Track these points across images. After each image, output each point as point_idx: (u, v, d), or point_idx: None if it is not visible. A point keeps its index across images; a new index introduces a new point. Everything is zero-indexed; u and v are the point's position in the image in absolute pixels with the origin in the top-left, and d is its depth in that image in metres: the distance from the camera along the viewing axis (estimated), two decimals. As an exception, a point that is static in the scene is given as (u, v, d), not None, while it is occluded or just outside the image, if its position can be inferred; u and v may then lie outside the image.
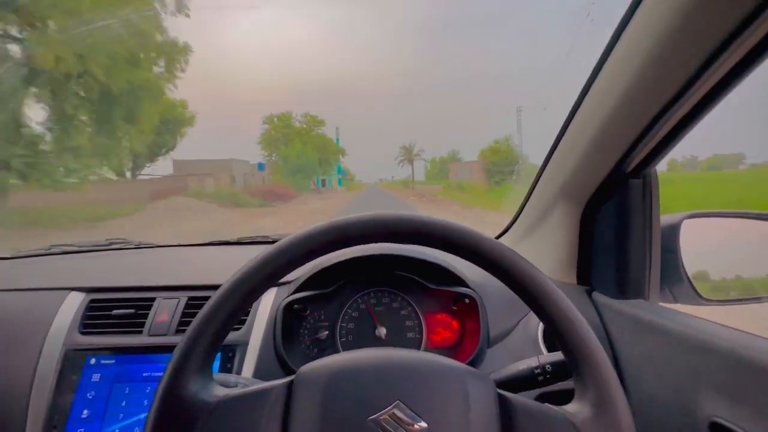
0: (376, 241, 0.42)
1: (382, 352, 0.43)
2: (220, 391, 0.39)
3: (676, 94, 0.54)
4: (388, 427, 0.36)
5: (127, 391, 0.69)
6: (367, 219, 0.41)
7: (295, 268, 0.41)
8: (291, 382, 0.40)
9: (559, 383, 0.52)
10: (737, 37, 0.44)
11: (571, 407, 0.40)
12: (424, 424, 0.37)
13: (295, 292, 0.78)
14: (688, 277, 0.75)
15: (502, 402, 0.40)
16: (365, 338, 0.79)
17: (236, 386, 0.48)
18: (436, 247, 0.43)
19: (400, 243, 0.43)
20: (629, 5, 0.54)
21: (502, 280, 0.42)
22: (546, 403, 0.41)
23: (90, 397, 0.68)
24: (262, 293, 0.41)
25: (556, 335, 0.41)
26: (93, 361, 0.70)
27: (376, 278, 0.82)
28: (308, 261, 0.42)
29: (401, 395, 0.38)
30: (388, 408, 0.37)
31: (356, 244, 0.42)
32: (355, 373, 0.40)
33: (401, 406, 0.37)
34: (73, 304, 0.76)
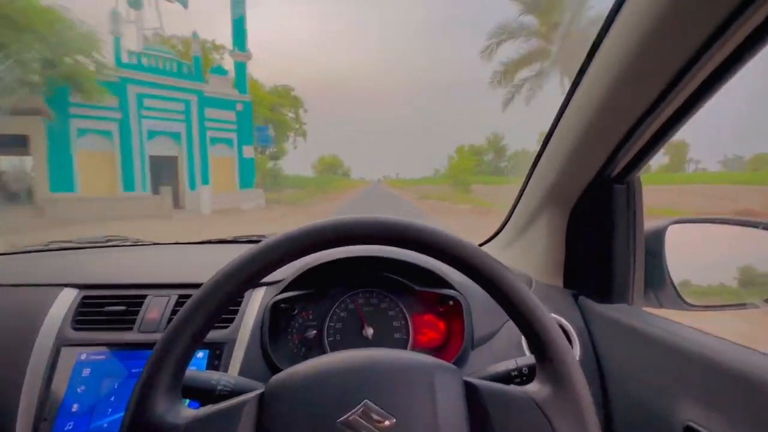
0: (358, 243, 0.43)
1: (347, 354, 0.44)
2: (188, 412, 0.39)
3: (656, 101, 0.54)
4: (358, 427, 0.37)
5: (116, 386, 0.70)
6: (348, 222, 0.42)
7: (272, 272, 0.42)
8: (262, 395, 0.40)
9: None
10: (716, 40, 0.44)
11: (532, 386, 0.42)
12: (392, 420, 0.38)
13: (283, 291, 0.79)
14: (672, 283, 0.75)
15: (468, 389, 0.41)
16: (353, 338, 0.80)
17: (217, 384, 0.49)
18: (416, 251, 0.44)
19: (383, 245, 0.44)
20: (610, 10, 0.54)
21: (480, 284, 0.43)
22: (510, 385, 0.43)
23: (80, 392, 0.69)
24: (235, 299, 0.42)
25: (517, 321, 0.42)
26: (84, 356, 0.72)
27: (365, 279, 0.83)
28: (287, 263, 0.42)
29: (369, 394, 0.39)
30: (357, 408, 0.38)
31: (336, 246, 0.43)
32: (321, 378, 0.40)
33: (369, 405, 0.38)
34: (67, 300, 0.78)
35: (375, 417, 0.38)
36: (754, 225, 0.75)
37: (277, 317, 0.76)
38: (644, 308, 0.74)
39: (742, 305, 0.75)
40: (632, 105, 0.56)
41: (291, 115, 26.08)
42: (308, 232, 0.42)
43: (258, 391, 0.41)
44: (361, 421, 0.38)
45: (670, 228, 0.76)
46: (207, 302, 0.40)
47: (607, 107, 0.59)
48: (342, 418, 0.38)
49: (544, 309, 0.41)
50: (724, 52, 0.46)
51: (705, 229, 0.79)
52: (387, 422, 0.38)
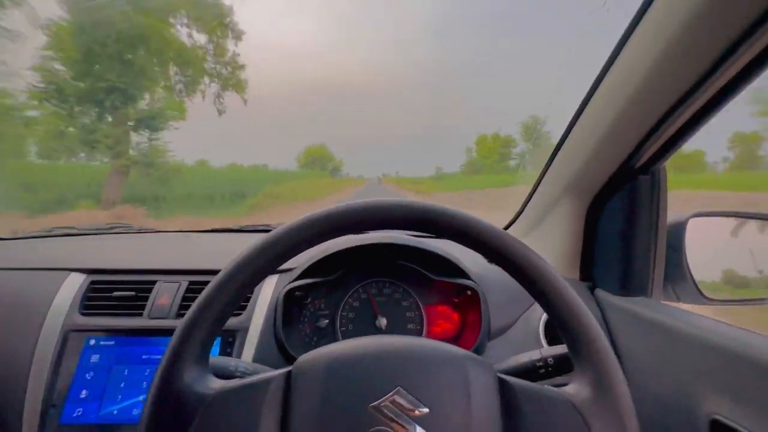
0: (378, 229, 0.42)
1: (381, 340, 0.42)
2: (216, 383, 0.39)
3: (689, 90, 0.53)
4: (389, 414, 0.36)
5: (126, 373, 0.68)
6: (368, 205, 0.41)
7: (293, 256, 0.40)
8: (289, 372, 0.39)
9: (561, 378, 0.52)
10: (752, 35, 0.43)
11: (570, 388, 0.40)
12: (425, 410, 0.36)
13: (296, 279, 0.77)
14: (691, 276, 0.74)
15: (503, 386, 0.40)
16: (365, 328, 0.79)
17: (236, 370, 0.48)
18: (440, 236, 0.42)
19: (404, 230, 0.42)
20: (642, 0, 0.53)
21: (504, 267, 0.41)
22: (546, 385, 0.41)
23: (89, 378, 0.67)
24: (259, 282, 0.41)
25: (555, 318, 0.40)
26: (92, 342, 0.70)
27: (378, 268, 0.82)
28: (309, 248, 0.41)
29: (402, 381, 0.37)
30: (389, 395, 0.37)
31: (357, 232, 0.42)
32: (354, 360, 0.39)
33: (402, 392, 0.37)
34: (74, 284, 0.76)
35: (407, 405, 0.37)
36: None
37: (289, 306, 0.75)
38: (663, 302, 0.74)
39: (761, 300, 0.74)
40: (664, 94, 0.55)
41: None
42: (336, 213, 0.40)
43: (285, 369, 0.40)
44: (393, 407, 0.36)
45: (691, 221, 0.75)
46: (246, 268, 0.39)
47: (638, 96, 0.57)
48: (374, 403, 0.36)
49: (584, 305, 0.39)
50: (757, 47, 0.45)
51: (727, 223, 0.78)
52: (419, 411, 0.36)
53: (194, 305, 0.38)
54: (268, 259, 0.39)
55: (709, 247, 0.74)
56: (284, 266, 0.79)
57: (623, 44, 0.58)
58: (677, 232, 0.75)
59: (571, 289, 0.40)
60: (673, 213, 0.75)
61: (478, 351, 0.73)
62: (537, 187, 0.90)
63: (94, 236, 1.10)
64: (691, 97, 0.54)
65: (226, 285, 0.39)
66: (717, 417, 0.52)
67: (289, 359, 0.70)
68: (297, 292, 0.76)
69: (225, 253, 0.89)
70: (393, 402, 0.37)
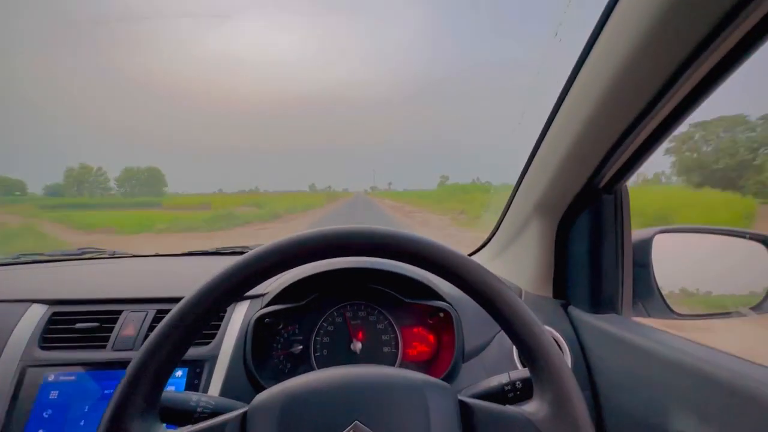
0: (345, 255, 0.41)
1: (338, 372, 0.42)
2: None
3: (643, 112, 0.55)
4: None
5: (86, 410, 0.65)
6: (335, 232, 0.41)
7: (256, 284, 0.40)
8: (245, 414, 0.38)
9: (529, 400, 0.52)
10: (704, 50, 0.45)
11: (530, 407, 0.40)
12: None
13: (268, 305, 0.76)
14: (660, 292, 0.76)
15: (464, 409, 0.40)
16: (340, 353, 0.78)
17: (197, 406, 0.46)
18: (405, 261, 0.42)
19: (371, 256, 0.42)
20: (597, 21, 0.55)
21: (463, 290, 0.41)
22: (507, 405, 0.41)
23: (46, 416, 0.64)
24: (218, 314, 0.40)
25: (513, 338, 0.41)
26: (51, 377, 0.67)
27: (351, 291, 0.81)
28: (275, 275, 0.40)
29: (359, 415, 0.37)
30: (347, 430, 0.36)
31: (323, 258, 0.41)
32: (310, 396, 0.38)
33: (359, 427, 0.36)
34: (34, 316, 0.73)
35: None
36: (740, 235, 0.76)
37: (261, 332, 0.73)
38: (633, 318, 0.74)
39: (728, 314, 0.75)
40: (621, 114, 0.57)
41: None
42: (297, 242, 0.40)
43: (241, 410, 0.39)
44: None
45: (656, 237, 0.77)
46: (188, 316, 0.37)
47: (596, 117, 0.59)
48: None
49: (540, 325, 0.40)
50: (709, 64, 0.46)
51: (690, 239, 0.80)
52: None
53: (136, 356, 0.37)
54: (220, 294, 0.38)
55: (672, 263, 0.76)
56: (254, 292, 0.77)
57: (579, 69, 0.60)
58: (643, 248, 0.76)
59: (528, 310, 0.40)
60: (638, 230, 0.77)
61: (453, 372, 0.72)
62: (509, 208, 0.91)
63: (62, 263, 1.06)
64: (646, 117, 0.55)
65: (173, 330, 0.37)
66: None
67: (260, 389, 0.68)
68: (267, 319, 0.74)
69: (196, 277, 0.86)
70: None
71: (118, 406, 0.35)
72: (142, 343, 0.70)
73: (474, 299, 0.42)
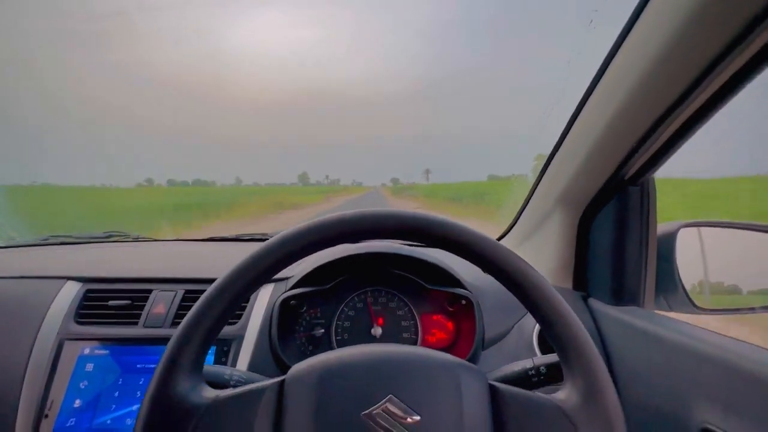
0: (373, 238, 0.42)
1: (374, 348, 0.43)
2: (210, 393, 0.39)
3: (676, 102, 0.54)
4: (381, 422, 0.36)
5: (120, 382, 0.68)
6: (363, 215, 0.41)
7: (288, 266, 0.41)
8: (282, 382, 0.40)
9: (554, 387, 0.52)
10: (738, 45, 0.44)
11: (560, 395, 0.41)
12: (417, 417, 0.37)
13: (292, 288, 0.78)
14: (683, 286, 0.75)
15: (494, 393, 0.41)
16: (360, 337, 0.79)
17: (230, 379, 0.48)
18: (434, 246, 0.43)
19: (398, 239, 0.43)
20: (631, 13, 0.55)
21: (496, 276, 0.42)
22: (536, 392, 0.42)
23: (82, 387, 0.67)
24: (254, 292, 0.41)
25: (545, 326, 0.41)
26: (87, 351, 0.70)
27: (373, 277, 0.82)
28: (303, 257, 0.42)
29: (394, 389, 0.38)
30: (381, 402, 0.37)
31: (354, 241, 0.43)
32: (346, 369, 0.40)
33: (394, 400, 0.37)
34: (69, 293, 0.76)
35: (399, 413, 0.37)
36: (764, 229, 0.75)
37: (285, 315, 0.75)
38: (654, 311, 0.74)
39: (752, 309, 0.75)
40: (652, 105, 0.57)
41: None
42: (330, 223, 0.41)
43: (279, 378, 0.40)
44: (386, 415, 0.37)
45: (680, 231, 0.76)
46: (240, 278, 0.39)
47: (626, 108, 0.59)
48: (366, 411, 0.37)
49: (575, 316, 0.40)
50: (743, 58, 0.46)
51: (715, 233, 0.79)
52: (411, 419, 0.37)
53: (188, 315, 0.39)
54: (263, 269, 0.40)
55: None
56: (280, 275, 0.79)
57: (611, 59, 0.60)
58: (668, 242, 0.76)
59: (562, 298, 0.41)
60: (663, 223, 0.77)
61: (473, 360, 0.73)
62: (530, 198, 0.91)
63: (90, 245, 1.10)
64: (677, 109, 0.55)
65: (221, 295, 0.39)
66: (708, 426, 0.53)
67: (284, 368, 0.70)
68: (292, 301, 0.76)
69: (221, 262, 0.89)
70: (385, 410, 0.37)
71: (169, 361, 0.37)
72: (172, 321, 0.73)
73: (505, 285, 0.42)
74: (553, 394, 0.41)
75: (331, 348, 0.78)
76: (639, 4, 0.53)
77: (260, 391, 0.39)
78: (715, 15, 0.44)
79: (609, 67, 0.61)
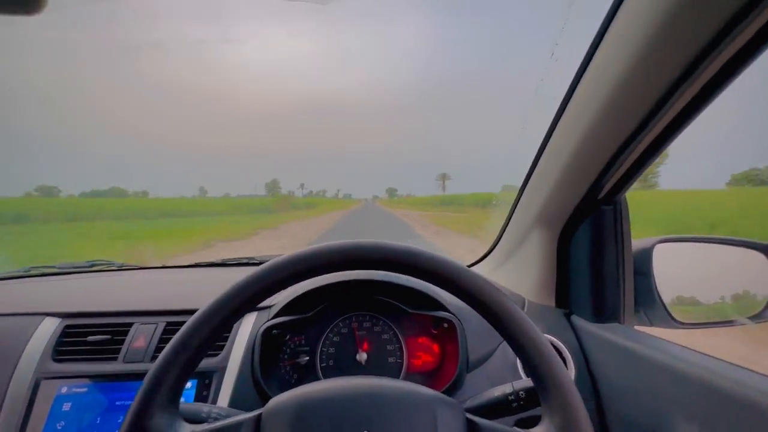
0: (349, 269, 0.43)
1: (350, 382, 0.43)
2: (186, 429, 0.39)
3: (642, 122, 0.56)
4: None
5: (98, 421, 0.67)
6: (341, 247, 0.42)
7: (270, 296, 0.41)
8: (259, 416, 0.40)
9: (534, 410, 0.52)
10: (701, 63, 0.45)
11: (538, 430, 0.41)
12: None
13: (275, 316, 0.77)
14: (662, 301, 0.76)
15: (471, 428, 0.40)
16: (346, 363, 0.79)
17: (209, 417, 0.47)
18: (408, 274, 0.44)
19: (376, 269, 0.43)
20: (594, 37, 0.57)
21: (471, 305, 0.43)
22: (514, 427, 0.42)
23: (59, 428, 0.65)
24: (233, 324, 0.41)
25: (524, 363, 0.42)
26: (65, 389, 0.69)
27: (357, 302, 0.82)
28: (284, 288, 0.42)
29: (369, 425, 0.38)
30: None
31: (331, 272, 0.43)
32: (323, 404, 0.40)
33: None
34: (48, 330, 0.75)
35: None
36: (738, 244, 0.77)
37: (268, 343, 0.75)
38: (636, 327, 0.75)
39: (729, 322, 0.76)
40: (619, 126, 0.58)
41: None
42: (308, 255, 0.42)
43: (256, 413, 0.40)
44: None
45: (656, 247, 0.78)
46: (212, 318, 0.40)
47: (595, 129, 0.61)
48: None
49: (551, 349, 0.40)
50: (708, 74, 0.47)
51: (690, 249, 0.81)
52: None
53: (165, 350, 0.39)
54: (241, 302, 0.40)
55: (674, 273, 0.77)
56: (262, 304, 0.79)
57: (577, 82, 0.62)
58: (644, 257, 0.77)
59: (536, 329, 0.41)
60: (639, 240, 0.78)
61: (457, 383, 0.73)
62: (510, 218, 0.93)
63: (73, 275, 1.08)
64: (645, 129, 0.57)
65: (199, 329, 0.39)
66: None
67: (267, 399, 0.69)
68: (275, 330, 0.76)
69: (205, 290, 0.88)
70: None
71: (145, 396, 0.37)
72: (152, 355, 0.72)
73: (478, 312, 0.43)
74: (531, 430, 0.41)
75: (317, 375, 0.78)
76: (602, 24, 0.55)
77: (236, 426, 0.39)
78: (678, 32, 0.45)
79: (576, 89, 0.63)
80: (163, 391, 0.38)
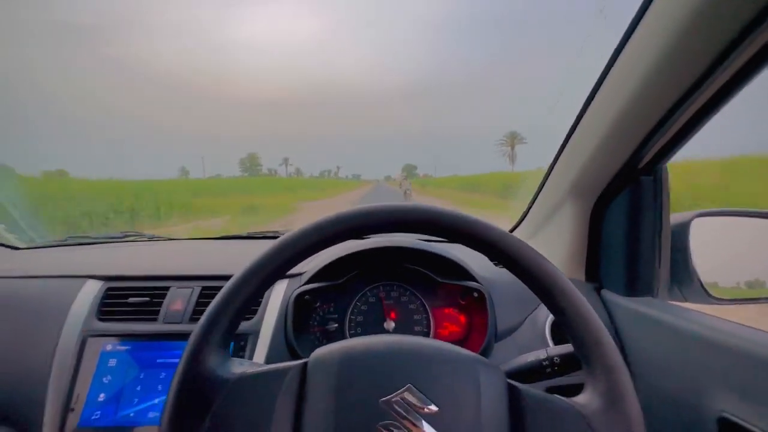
0: (388, 231, 0.43)
1: (395, 338, 0.43)
2: (237, 369, 0.40)
3: (690, 89, 0.53)
4: (399, 409, 0.37)
5: (141, 377, 0.70)
6: (378, 209, 0.42)
7: (309, 256, 0.42)
8: (305, 364, 0.41)
9: (567, 378, 0.52)
10: (752, 32, 0.44)
11: (581, 399, 0.40)
12: (434, 408, 0.37)
13: (305, 283, 0.79)
14: (697, 276, 0.74)
15: (512, 392, 0.40)
16: (373, 331, 0.80)
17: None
18: (450, 239, 0.43)
19: (414, 233, 0.43)
20: (642, 1, 0.54)
21: (515, 273, 0.42)
22: (555, 395, 0.41)
23: (106, 382, 0.69)
24: (280, 278, 0.42)
25: (566, 328, 0.41)
26: (109, 347, 0.72)
27: (385, 271, 0.83)
28: (321, 250, 0.43)
29: (413, 379, 0.38)
30: (400, 391, 0.38)
31: (367, 234, 0.43)
32: (367, 356, 0.40)
33: (413, 390, 0.38)
34: (91, 291, 0.78)
35: (417, 403, 0.38)
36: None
37: (299, 310, 0.77)
38: (669, 302, 0.74)
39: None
40: (664, 94, 0.56)
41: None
42: (339, 219, 0.42)
43: (302, 361, 0.41)
44: (404, 404, 0.37)
45: (694, 221, 0.75)
46: (266, 266, 0.41)
47: (639, 96, 0.58)
48: (384, 398, 0.37)
49: (596, 316, 0.40)
50: (755, 47, 0.45)
51: (731, 222, 0.78)
52: (428, 409, 0.37)
53: (220, 295, 0.40)
54: (291, 255, 0.41)
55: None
56: (293, 271, 0.80)
57: (623, 46, 0.59)
58: (681, 232, 0.75)
59: (581, 295, 0.40)
60: (677, 213, 0.76)
61: (486, 353, 0.74)
62: (541, 189, 0.91)
63: (108, 244, 1.13)
64: (691, 97, 0.54)
65: (249, 280, 0.41)
66: (725, 414, 0.53)
67: None
68: (306, 296, 0.77)
69: (234, 258, 0.91)
70: (403, 398, 0.38)
71: (201, 336, 0.39)
72: (190, 317, 0.75)
73: (519, 277, 0.42)
74: (573, 398, 0.40)
75: None
76: None
77: (284, 371, 0.40)
78: (727, 3, 0.43)
79: (621, 54, 0.60)
80: (216, 333, 0.40)
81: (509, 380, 0.41)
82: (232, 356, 0.71)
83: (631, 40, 0.58)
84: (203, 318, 0.40)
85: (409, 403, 0.37)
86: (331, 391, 0.38)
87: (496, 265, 0.87)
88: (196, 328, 0.39)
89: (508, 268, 0.43)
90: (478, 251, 0.43)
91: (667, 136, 0.62)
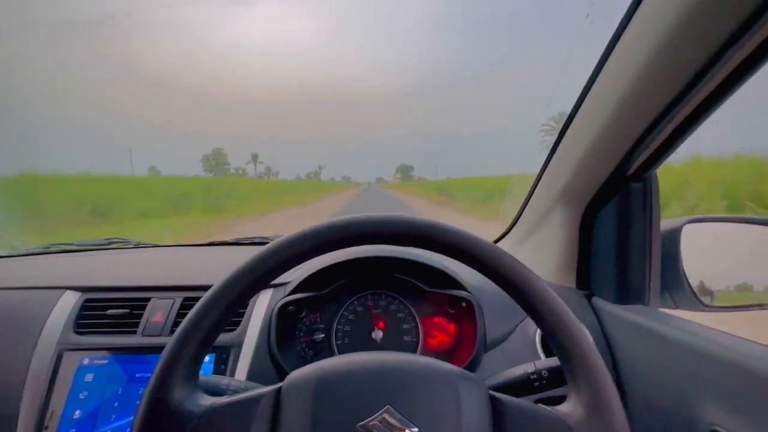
0: (371, 243, 0.42)
1: (372, 356, 0.42)
2: (206, 401, 0.38)
3: (677, 96, 0.53)
4: None
5: (119, 392, 0.68)
6: (362, 220, 0.41)
7: (287, 270, 0.40)
8: (279, 389, 0.39)
9: (556, 389, 0.51)
10: (739, 39, 0.43)
11: (564, 408, 0.39)
12: (414, 429, 0.36)
13: (290, 293, 0.77)
14: (689, 283, 0.74)
15: (495, 404, 0.39)
16: (361, 341, 0.79)
17: (227, 389, 0.47)
18: (432, 250, 0.42)
19: (396, 245, 0.42)
20: (629, 5, 0.53)
21: (497, 282, 0.41)
22: (539, 404, 0.40)
23: (82, 398, 0.67)
24: (250, 298, 0.41)
25: (549, 336, 0.40)
26: (86, 361, 0.70)
27: (373, 280, 0.81)
28: (302, 262, 0.41)
29: (391, 399, 0.37)
30: (378, 413, 0.36)
31: (350, 246, 0.42)
32: (344, 378, 0.39)
33: (391, 411, 0.36)
34: (68, 303, 0.76)
35: (397, 424, 0.36)
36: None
37: (284, 320, 0.75)
38: (660, 309, 0.73)
39: (760, 305, 0.73)
40: (653, 101, 0.55)
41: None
42: (321, 231, 0.40)
43: (276, 386, 0.39)
44: (382, 427, 0.36)
45: (685, 227, 0.74)
46: (237, 284, 0.39)
47: (628, 103, 0.58)
48: (362, 422, 0.36)
49: (579, 324, 0.39)
50: (745, 51, 0.45)
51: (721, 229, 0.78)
52: (409, 430, 0.36)
53: (184, 323, 0.38)
54: (258, 276, 0.39)
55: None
56: (278, 281, 0.79)
57: (609, 53, 0.59)
58: (672, 238, 0.74)
59: (564, 305, 0.40)
60: (667, 220, 0.75)
61: (474, 362, 0.72)
62: (531, 196, 0.90)
63: (90, 252, 1.10)
64: (679, 104, 0.54)
65: (216, 303, 0.39)
66: (716, 428, 0.52)
67: (284, 375, 0.69)
68: (291, 307, 0.75)
69: (219, 267, 0.88)
70: (382, 421, 0.36)
71: (164, 369, 0.37)
72: (170, 329, 0.72)
73: (504, 290, 0.41)
74: (557, 407, 0.40)
75: (332, 353, 0.77)
76: None
77: (257, 399, 0.38)
78: (716, 7, 0.43)
79: (608, 61, 0.59)
80: (182, 364, 0.37)
81: (491, 392, 0.40)
82: (214, 370, 0.70)
83: (617, 47, 0.57)
84: (167, 348, 0.38)
85: (388, 426, 0.36)
86: (307, 417, 0.36)
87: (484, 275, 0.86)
88: (160, 359, 0.37)
89: (492, 280, 0.42)
90: (461, 262, 0.42)
91: (656, 144, 0.61)
